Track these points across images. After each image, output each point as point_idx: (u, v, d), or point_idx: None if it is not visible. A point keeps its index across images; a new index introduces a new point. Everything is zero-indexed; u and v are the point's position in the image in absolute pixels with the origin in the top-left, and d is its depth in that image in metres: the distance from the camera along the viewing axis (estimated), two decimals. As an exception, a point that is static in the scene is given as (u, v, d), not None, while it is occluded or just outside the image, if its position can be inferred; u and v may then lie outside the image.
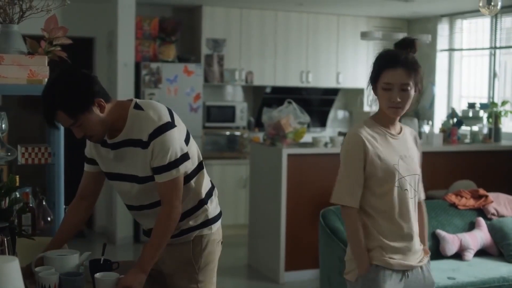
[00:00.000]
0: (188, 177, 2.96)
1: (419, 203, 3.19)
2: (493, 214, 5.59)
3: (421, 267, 3.12)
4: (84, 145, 3.08)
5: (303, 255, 6.49)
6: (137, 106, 2.87)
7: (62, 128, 3.69)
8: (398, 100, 2.96)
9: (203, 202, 3.07)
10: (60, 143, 3.67)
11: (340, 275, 4.89)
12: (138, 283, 2.76)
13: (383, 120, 3.08)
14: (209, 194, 3.12)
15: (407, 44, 3.03)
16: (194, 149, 3.03)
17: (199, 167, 3.05)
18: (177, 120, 2.94)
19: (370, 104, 8.76)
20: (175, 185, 2.85)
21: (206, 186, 3.09)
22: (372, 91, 3.07)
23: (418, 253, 3.11)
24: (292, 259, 6.48)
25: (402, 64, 2.95)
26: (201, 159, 3.08)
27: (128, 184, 2.99)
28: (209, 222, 3.10)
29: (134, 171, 2.92)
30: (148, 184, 2.91)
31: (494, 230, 5.42)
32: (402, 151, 3.06)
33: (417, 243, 3.10)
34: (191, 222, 3.05)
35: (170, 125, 2.85)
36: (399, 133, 3.12)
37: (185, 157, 2.87)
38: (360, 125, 3.08)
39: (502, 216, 5.59)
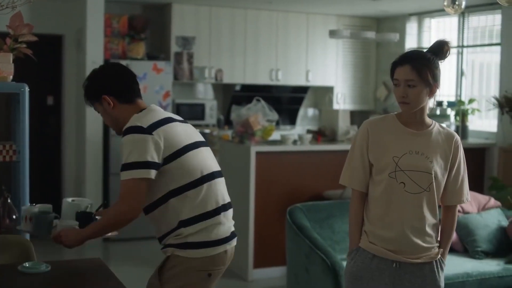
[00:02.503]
0: (169, 194, 3.00)
1: (450, 207, 3.25)
2: (458, 211, 5.63)
3: (424, 265, 3.13)
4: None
5: (272, 252, 6.52)
6: (141, 110, 3.12)
7: (27, 126, 3.69)
8: (403, 95, 3.07)
9: (181, 224, 3.01)
10: (25, 140, 3.67)
11: (307, 271, 4.94)
12: (69, 240, 3.13)
13: (403, 116, 3.18)
14: (197, 219, 3.03)
15: (435, 48, 3.21)
16: (186, 168, 3.02)
17: (189, 187, 3.01)
18: (165, 132, 2.99)
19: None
20: (125, 188, 2.94)
21: (196, 208, 3.02)
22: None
23: (417, 250, 3.12)
24: (260, 256, 6.50)
25: (409, 61, 3.09)
26: (195, 178, 3.03)
27: None
28: (187, 245, 3.02)
29: None
30: None
31: (459, 227, 5.48)
32: (416, 147, 3.12)
33: (416, 239, 3.10)
34: (170, 239, 3.06)
35: (140, 129, 2.94)
36: (424, 130, 3.16)
37: (141, 165, 2.90)
38: (377, 117, 3.29)
39: (467, 213, 5.65)
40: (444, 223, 3.24)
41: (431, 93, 3.12)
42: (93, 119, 7.76)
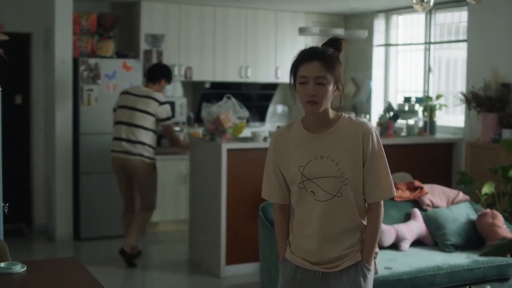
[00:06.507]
0: None
1: (371, 205, 3.03)
2: (428, 205, 5.73)
3: (348, 270, 2.99)
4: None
5: (244, 249, 6.54)
6: None
7: (-1, 125, 3.68)
8: (313, 93, 2.88)
9: None
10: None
11: (280, 267, 4.98)
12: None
13: (307, 119, 3.02)
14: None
15: (333, 43, 3.01)
16: (115, 116, 6.95)
17: (114, 124, 6.95)
18: (119, 97, 7.01)
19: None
20: None
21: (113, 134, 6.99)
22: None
23: (336, 258, 2.99)
24: (232, 253, 6.52)
25: (318, 57, 2.90)
26: (114, 121, 6.96)
27: None
28: None
29: None
30: None
31: (429, 221, 5.56)
32: (320, 152, 2.94)
33: (334, 247, 2.98)
34: None
35: None
36: (327, 130, 2.98)
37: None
38: (284, 126, 3.15)
39: (437, 207, 5.73)
40: (368, 223, 3.04)
41: (337, 90, 2.96)
42: (63, 118, 7.72)
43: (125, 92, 6.92)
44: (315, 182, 2.93)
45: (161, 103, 6.80)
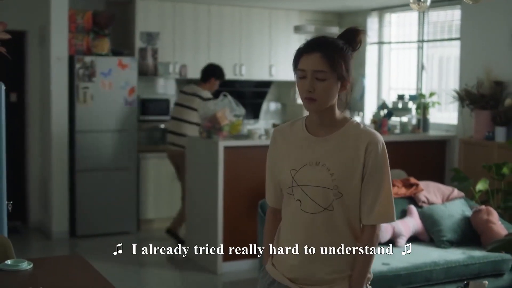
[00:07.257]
0: None
1: (364, 227, 2.65)
2: (423, 202, 5.80)
3: None
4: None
5: (241, 245, 6.56)
6: None
7: (3, 124, 3.70)
8: (309, 90, 2.53)
9: None
10: (2, 138, 3.68)
11: (279, 264, 5.02)
12: None
13: (311, 118, 2.67)
14: None
15: (346, 34, 2.68)
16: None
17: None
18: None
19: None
20: None
21: None
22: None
23: (317, 281, 2.63)
24: (230, 249, 6.55)
25: (319, 49, 2.54)
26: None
27: None
28: None
29: None
30: None
31: (425, 217, 5.62)
32: (317, 157, 2.60)
33: (316, 268, 2.62)
34: None
35: None
36: (330, 134, 2.64)
37: None
38: (290, 121, 2.79)
39: (432, 203, 5.79)
40: (359, 247, 2.65)
41: (342, 88, 2.59)
42: (58, 116, 7.73)
43: (181, 91, 7.86)
44: (304, 190, 2.58)
45: (205, 99, 7.39)
